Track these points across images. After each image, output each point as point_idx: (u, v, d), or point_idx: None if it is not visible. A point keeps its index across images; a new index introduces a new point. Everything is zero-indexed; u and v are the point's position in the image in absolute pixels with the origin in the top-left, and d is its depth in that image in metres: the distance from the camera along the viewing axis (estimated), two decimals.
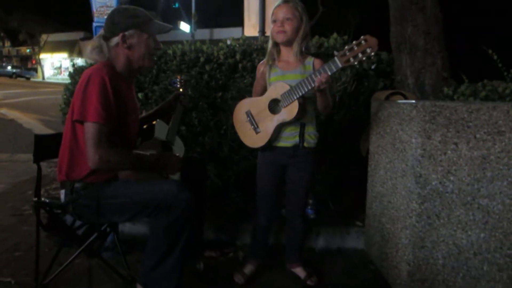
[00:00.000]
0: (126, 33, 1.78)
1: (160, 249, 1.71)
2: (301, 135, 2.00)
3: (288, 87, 1.91)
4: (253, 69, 3.12)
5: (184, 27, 20.08)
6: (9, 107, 10.65)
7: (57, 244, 2.17)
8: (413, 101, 1.96)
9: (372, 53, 1.71)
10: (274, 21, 1.99)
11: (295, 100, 1.89)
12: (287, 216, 2.22)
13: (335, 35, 3.25)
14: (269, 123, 1.99)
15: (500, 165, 1.79)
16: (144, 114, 2.18)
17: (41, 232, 1.92)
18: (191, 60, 3.25)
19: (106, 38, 1.80)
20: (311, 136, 2.04)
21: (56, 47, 40.37)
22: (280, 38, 1.98)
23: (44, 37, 40.53)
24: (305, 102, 1.97)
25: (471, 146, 1.78)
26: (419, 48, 3.01)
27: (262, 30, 4.97)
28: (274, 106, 1.99)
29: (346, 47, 1.75)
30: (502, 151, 1.78)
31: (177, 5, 21.50)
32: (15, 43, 47.76)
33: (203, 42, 3.47)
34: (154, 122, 2.08)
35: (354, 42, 1.74)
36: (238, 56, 3.18)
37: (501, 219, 1.82)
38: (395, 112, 2.01)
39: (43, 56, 41.42)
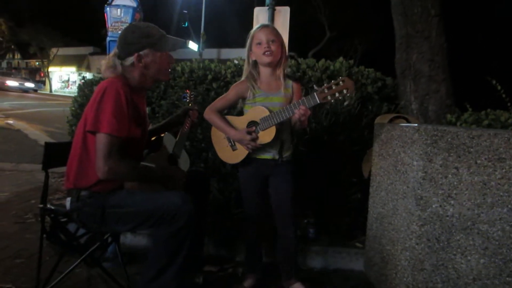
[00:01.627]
0: (141, 53, 1.82)
1: (160, 260, 1.73)
2: (281, 152, 2.10)
3: (268, 113, 2.01)
4: None
5: (193, 46, 20.41)
6: (15, 118, 10.74)
7: (58, 253, 2.19)
8: (416, 124, 1.99)
9: (348, 94, 1.81)
10: (258, 44, 2.06)
11: (273, 125, 1.99)
12: (279, 230, 2.20)
13: (340, 59, 3.32)
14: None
15: (501, 192, 1.80)
16: (151, 126, 2.22)
17: (43, 241, 1.94)
18: (199, 77, 3.32)
19: (121, 57, 1.84)
20: (289, 151, 2.14)
21: (65, 61, 40.93)
22: (268, 59, 2.05)
23: (54, 50, 41.15)
24: (282, 124, 2.05)
25: (471, 171, 1.81)
26: (423, 75, 3.07)
27: None
28: (252, 127, 2.07)
29: (325, 85, 1.85)
30: (502, 177, 1.80)
31: (186, 24, 21.90)
32: (25, 55, 48.51)
33: (211, 61, 3.55)
34: (162, 135, 2.12)
35: (333, 81, 1.84)
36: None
37: (501, 245, 1.82)
38: (397, 135, 2.05)
39: (51, 69, 41.95)
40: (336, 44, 21.62)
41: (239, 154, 2.11)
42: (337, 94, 1.81)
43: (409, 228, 1.89)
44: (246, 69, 2.14)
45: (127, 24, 2.39)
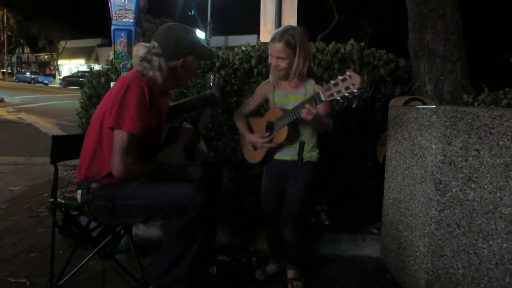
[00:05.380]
0: (187, 59, 1.83)
1: (174, 252, 1.70)
2: (300, 153, 2.05)
3: (282, 113, 1.99)
4: (268, 74, 3.10)
5: (200, 34, 20.29)
6: (27, 112, 10.85)
7: (71, 246, 2.18)
8: (433, 106, 1.92)
9: (355, 90, 1.65)
10: (270, 55, 2.02)
11: (285, 125, 1.96)
12: (281, 222, 2.16)
13: (351, 41, 3.23)
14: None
15: None
16: (171, 103, 2.16)
17: (56, 234, 1.93)
18: (206, 65, 3.27)
19: (165, 56, 1.78)
20: (311, 153, 2.08)
21: (73, 54, 41.19)
22: (276, 73, 2.04)
23: (62, 43, 41.37)
24: (298, 125, 2.01)
25: (493, 153, 1.73)
26: (438, 55, 2.97)
27: None
28: (270, 128, 2.08)
29: (331, 81, 1.73)
30: None
31: (193, 12, 21.73)
32: (35, 49, 48.97)
33: (218, 48, 3.48)
34: (178, 125, 2.08)
35: (339, 77, 1.71)
36: (253, 62, 3.18)
37: None
38: (414, 118, 1.98)
39: (61, 62, 42.27)
40: (345, 27, 21.30)
41: (259, 154, 2.14)
42: (343, 91, 1.68)
43: (427, 213, 1.83)
44: (271, 69, 2.10)
45: (131, 13, 2.34)
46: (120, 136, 1.63)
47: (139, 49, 1.80)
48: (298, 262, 2.22)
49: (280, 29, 2.00)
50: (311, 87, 2.02)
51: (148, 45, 1.80)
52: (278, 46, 1.94)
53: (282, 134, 1.99)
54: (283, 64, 1.97)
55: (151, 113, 1.71)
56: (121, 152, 1.62)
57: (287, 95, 2.06)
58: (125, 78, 1.72)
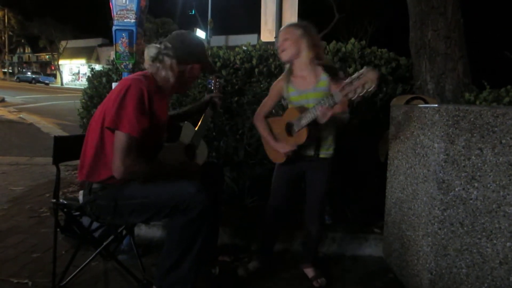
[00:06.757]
0: (194, 66, 1.88)
1: (176, 251, 1.70)
2: (317, 149, 2.07)
3: (298, 114, 1.97)
4: (270, 74, 3.10)
5: (200, 33, 20.29)
6: (28, 112, 10.85)
7: (74, 246, 2.18)
8: (436, 105, 1.91)
9: (371, 88, 1.59)
10: (278, 48, 2.08)
11: (304, 127, 1.94)
12: (305, 219, 2.24)
13: (352, 40, 3.21)
14: (287, 144, 2.06)
15: None
16: (172, 112, 2.19)
17: (58, 234, 1.93)
18: None
19: (176, 58, 1.82)
20: (327, 149, 2.09)
21: (74, 54, 41.18)
22: (282, 57, 2.07)
23: (63, 43, 41.38)
24: (317, 123, 1.93)
25: (496, 152, 1.73)
26: (439, 53, 2.96)
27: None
28: (289, 129, 2.07)
29: (345, 81, 1.66)
30: None
31: (193, 11, 21.73)
32: (35, 49, 49.00)
33: (219, 48, 3.47)
34: (181, 124, 2.08)
35: (353, 75, 1.64)
36: (254, 61, 3.17)
37: None
38: (416, 117, 1.97)
39: (62, 62, 42.25)
40: (345, 26, 21.29)
41: (283, 155, 2.09)
42: (359, 90, 1.62)
43: (430, 213, 1.83)
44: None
45: (132, 13, 2.34)
46: (119, 138, 1.64)
47: (150, 50, 1.83)
48: (316, 260, 2.29)
49: None
50: (324, 81, 2.02)
51: (158, 46, 1.84)
52: (285, 29, 2.06)
53: (302, 135, 1.97)
54: (287, 44, 2.01)
55: (150, 114, 1.71)
56: (121, 154, 1.63)
57: (302, 93, 2.04)
58: (126, 79, 1.74)
